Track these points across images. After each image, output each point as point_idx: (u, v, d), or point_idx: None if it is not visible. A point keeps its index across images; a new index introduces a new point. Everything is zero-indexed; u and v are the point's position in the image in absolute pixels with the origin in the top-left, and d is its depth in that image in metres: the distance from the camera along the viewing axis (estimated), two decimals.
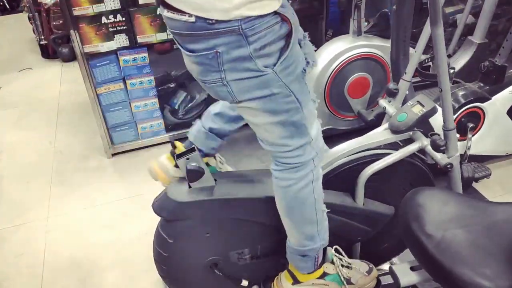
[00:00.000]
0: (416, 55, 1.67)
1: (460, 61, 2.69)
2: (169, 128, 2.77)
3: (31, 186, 2.55)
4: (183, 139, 2.78)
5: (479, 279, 0.74)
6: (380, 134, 1.53)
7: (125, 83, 2.54)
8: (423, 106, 1.47)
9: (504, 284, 0.73)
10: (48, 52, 4.11)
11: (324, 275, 1.39)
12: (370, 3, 2.32)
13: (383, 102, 1.69)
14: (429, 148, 1.43)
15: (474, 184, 2.29)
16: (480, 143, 2.29)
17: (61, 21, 3.88)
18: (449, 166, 1.40)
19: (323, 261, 1.41)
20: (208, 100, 2.77)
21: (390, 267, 1.01)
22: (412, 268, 0.94)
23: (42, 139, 2.97)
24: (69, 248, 2.12)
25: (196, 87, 2.78)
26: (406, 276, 0.94)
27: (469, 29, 2.76)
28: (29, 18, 4.21)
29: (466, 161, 2.25)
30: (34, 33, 4.20)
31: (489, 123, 2.24)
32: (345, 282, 1.37)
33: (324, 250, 1.41)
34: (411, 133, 1.49)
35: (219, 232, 1.44)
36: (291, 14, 1.07)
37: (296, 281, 1.39)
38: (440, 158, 1.41)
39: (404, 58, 1.93)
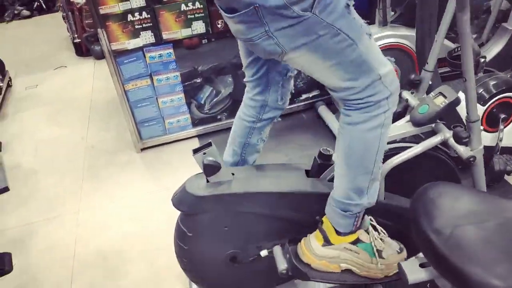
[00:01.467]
0: (437, 44, 1.61)
1: (494, 49, 2.60)
2: (195, 122, 2.80)
3: (63, 181, 2.64)
4: (210, 133, 2.82)
5: (490, 278, 0.71)
6: (401, 127, 1.49)
7: (152, 79, 2.58)
8: (445, 97, 1.43)
9: None
10: (82, 50, 4.22)
11: (357, 241, 1.33)
12: None
13: (405, 94, 1.65)
14: (451, 141, 1.39)
15: (507, 177, 2.20)
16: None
17: (92, 20, 3.98)
18: (471, 159, 1.35)
19: (360, 227, 1.35)
20: (233, 94, 2.78)
21: (398, 263, 0.99)
22: (421, 265, 0.92)
23: (74, 135, 3.07)
24: (98, 241, 2.18)
25: (222, 81, 2.80)
26: (415, 273, 0.91)
27: (504, 16, 2.65)
28: (63, 17, 4.34)
29: (498, 153, 2.16)
30: (68, 31, 4.33)
31: None
32: (377, 255, 1.32)
33: (363, 216, 1.34)
34: (433, 125, 1.45)
35: (237, 226, 1.45)
36: None
37: (327, 242, 1.33)
38: (463, 150, 1.36)
39: (430, 47, 1.87)
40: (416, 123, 1.46)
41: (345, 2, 1.07)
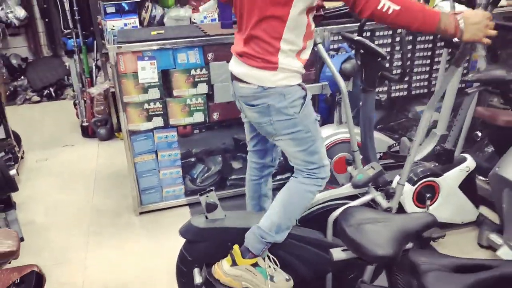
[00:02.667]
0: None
1: (427, 147, 3.33)
2: (188, 193, 3.36)
3: (72, 235, 3.11)
4: (200, 203, 3.38)
5: (377, 248, 1.30)
6: (345, 189, 2.12)
7: (156, 155, 3.19)
8: (374, 169, 2.08)
9: (389, 251, 1.29)
10: (88, 132, 4.85)
11: (256, 265, 1.91)
12: (349, 100, 3.02)
13: (349, 168, 2.31)
14: (377, 198, 2.02)
15: (433, 244, 2.79)
16: (438, 211, 2.82)
17: (102, 107, 4.69)
18: (389, 209, 1.97)
19: (261, 255, 1.93)
20: (221, 171, 3.40)
21: (330, 250, 1.55)
22: (343, 250, 1.48)
23: (81, 200, 3.58)
24: (104, 281, 2.63)
25: (212, 160, 3.44)
26: (338, 253, 1.48)
27: (434, 124, 3.43)
28: (75, 104, 5.03)
29: None
30: (78, 117, 4.99)
31: (444, 195, 2.80)
32: (268, 278, 1.89)
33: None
34: (366, 188, 2.08)
35: (226, 253, 1.98)
36: (306, 86, 1.85)
37: (234, 263, 1.91)
38: (385, 204, 1.98)
39: (370, 140, 2.57)
40: (355, 186, 2.10)
41: (315, 117, 1.88)
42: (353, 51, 2.97)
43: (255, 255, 1.91)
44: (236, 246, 1.93)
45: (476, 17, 1.62)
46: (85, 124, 4.85)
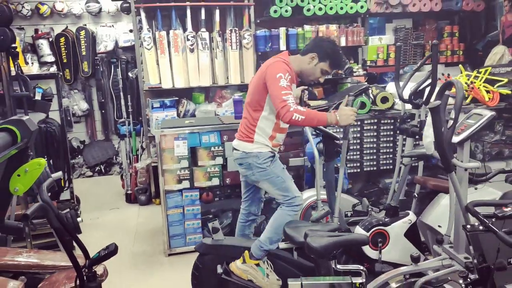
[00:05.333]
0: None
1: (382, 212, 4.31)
2: None
3: (117, 270, 4.14)
4: None
5: (297, 236, 2.35)
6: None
7: (183, 209, 4.30)
8: (324, 210, 3.13)
9: (302, 239, 2.32)
10: (130, 199, 6.04)
11: (258, 265, 2.89)
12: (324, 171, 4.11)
13: (313, 212, 3.35)
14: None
15: None
16: (389, 253, 3.72)
17: (144, 179, 5.92)
18: None
19: (261, 259, 2.90)
20: (231, 224, 4.46)
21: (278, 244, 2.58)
22: (285, 243, 2.50)
23: (124, 246, 4.65)
24: None
25: (225, 216, 4.51)
26: (282, 245, 2.50)
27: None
28: (121, 177, 6.30)
29: (381, 264, 3.70)
30: (123, 187, 6.23)
31: (392, 241, 3.72)
32: (265, 275, 2.86)
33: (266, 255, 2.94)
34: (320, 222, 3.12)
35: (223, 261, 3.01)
36: (275, 152, 2.94)
37: (244, 261, 2.91)
38: None
39: (332, 195, 3.62)
40: (312, 221, 3.13)
41: (282, 167, 2.96)
42: None
43: (257, 259, 2.92)
44: (246, 251, 2.94)
45: (345, 111, 2.79)
46: (129, 192, 6.07)
